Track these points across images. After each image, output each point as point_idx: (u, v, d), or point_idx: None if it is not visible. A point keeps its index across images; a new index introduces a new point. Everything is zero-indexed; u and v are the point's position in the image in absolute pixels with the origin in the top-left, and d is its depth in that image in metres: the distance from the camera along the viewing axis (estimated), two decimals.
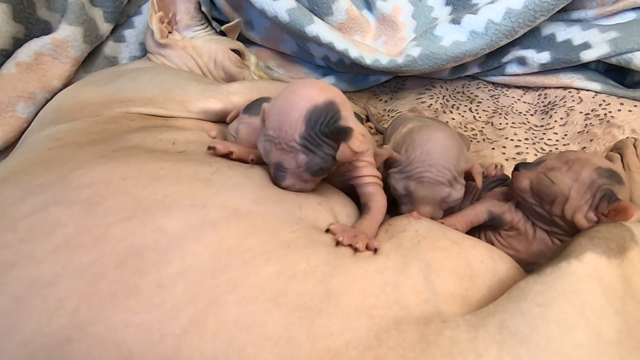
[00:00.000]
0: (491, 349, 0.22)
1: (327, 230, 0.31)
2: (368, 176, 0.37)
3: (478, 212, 0.41)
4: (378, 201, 0.36)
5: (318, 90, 0.31)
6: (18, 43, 0.52)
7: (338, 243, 0.29)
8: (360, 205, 0.38)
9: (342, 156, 0.30)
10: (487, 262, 0.30)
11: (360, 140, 0.31)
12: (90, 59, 0.62)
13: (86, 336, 0.21)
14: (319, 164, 0.31)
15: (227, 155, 0.35)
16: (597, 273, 0.25)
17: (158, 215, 0.26)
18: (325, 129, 0.30)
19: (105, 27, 0.62)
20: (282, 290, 0.24)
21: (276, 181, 0.33)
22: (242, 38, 0.80)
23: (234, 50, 0.64)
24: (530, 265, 0.33)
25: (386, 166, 0.41)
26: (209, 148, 0.36)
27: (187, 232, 0.25)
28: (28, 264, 0.23)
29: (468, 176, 0.40)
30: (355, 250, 0.29)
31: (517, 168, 0.39)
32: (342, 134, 0.30)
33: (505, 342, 0.22)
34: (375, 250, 0.29)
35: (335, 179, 0.38)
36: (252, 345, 0.22)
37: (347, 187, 0.39)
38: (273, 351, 0.22)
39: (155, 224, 0.26)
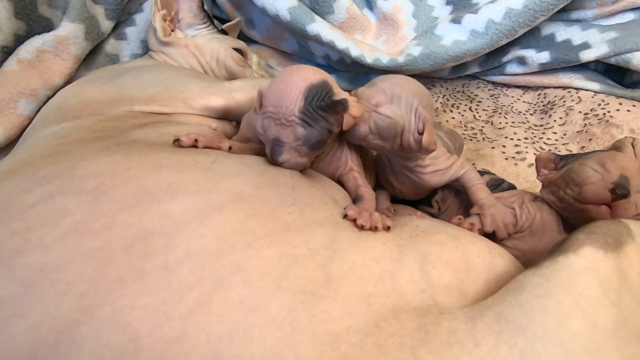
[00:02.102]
0: (489, 338, 0.22)
1: (345, 216, 0.31)
2: (355, 171, 0.40)
3: None
4: (367, 191, 0.39)
5: (313, 72, 0.35)
6: (19, 40, 0.53)
7: (362, 227, 0.30)
8: (352, 199, 0.38)
9: (347, 124, 0.34)
10: (485, 256, 0.31)
11: (357, 106, 0.35)
12: (92, 57, 0.62)
13: (94, 319, 0.21)
14: (316, 136, 0.34)
15: (194, 146, 0.35)
16: (594, 266, 0.25)
17: (163, 200, 0.27)
18: (322, 102, 0.33)
19: (106, 25, 0.62)
20: (284, 273, 0.24)
21: (273, 156, 0.34)
22: (243, 36, 0.80)
23: (236, 49, 0.64)
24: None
25: None
26: (174, 141, 0.35)
27: (192, 216, 0.26)
28: (36, 251, 0.24)
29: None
30: (375, 229, 0.30)
31: (622, 195, 0.35)
32: (340, 105, 0.33)
33: (502, 332, 0.22)
34: (389, 228, 0.31)
35: (325, 172, 0.40)
36: (256, 327, 0.22)
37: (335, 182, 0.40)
38: (276, 334, 0.22)
39: (161, 209, 0.26)
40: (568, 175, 0.39)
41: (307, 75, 0.34)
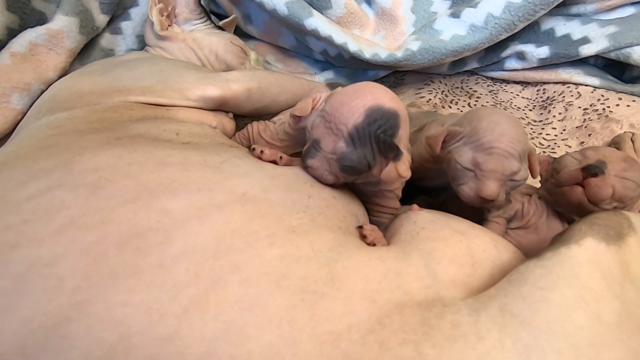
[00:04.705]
0: (493, 331, 0.22)
1: (360, 227, 0.31)
2: (392, 208, 0.37)
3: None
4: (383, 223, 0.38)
5: (389, 97, 0.31)
6: (12, 33, 0.52)
7: (373, 244, 0.30)
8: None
9: (386, 176, 0.30)
10: (490, 250, 0.30)
11: (407, 166, 0.31)
12: (86, 51, 0.61)
13: (85, 315, 0.21)
14: (353, 161, 0.30)
15: (259, 157, 0.35)
16: (597, 258, 0.25)
17: (163, 197, 0.26)
18: (381, 135, 0.29)
19: (101, 19, 0.61)
20: (285, 273, 0.24)
21: (305, 157, 0.33)
22: (240, 32, 0.80)
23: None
24: None
25: (444, 145, 0.38)
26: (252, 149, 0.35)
27: (191, 214, 0.25)
28: (30, 245, 0.23)
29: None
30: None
31: (592, 174, 0.35)
32: (393, 152, 0.29)
33: (506, 325, 0.22)
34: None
35: (361, 198, 0.37)
36: (254, 327, 0.21)
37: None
38: (274, 333, 0.21)
39: (159, 206, 0.25)
40: (552, 167, 0.41)
41: (379, 96, 0.31)
